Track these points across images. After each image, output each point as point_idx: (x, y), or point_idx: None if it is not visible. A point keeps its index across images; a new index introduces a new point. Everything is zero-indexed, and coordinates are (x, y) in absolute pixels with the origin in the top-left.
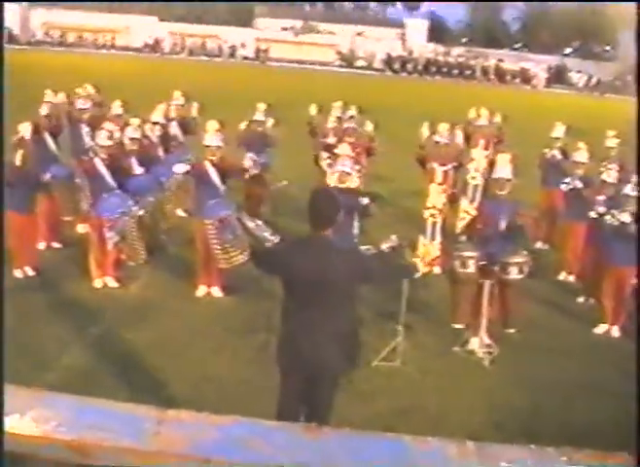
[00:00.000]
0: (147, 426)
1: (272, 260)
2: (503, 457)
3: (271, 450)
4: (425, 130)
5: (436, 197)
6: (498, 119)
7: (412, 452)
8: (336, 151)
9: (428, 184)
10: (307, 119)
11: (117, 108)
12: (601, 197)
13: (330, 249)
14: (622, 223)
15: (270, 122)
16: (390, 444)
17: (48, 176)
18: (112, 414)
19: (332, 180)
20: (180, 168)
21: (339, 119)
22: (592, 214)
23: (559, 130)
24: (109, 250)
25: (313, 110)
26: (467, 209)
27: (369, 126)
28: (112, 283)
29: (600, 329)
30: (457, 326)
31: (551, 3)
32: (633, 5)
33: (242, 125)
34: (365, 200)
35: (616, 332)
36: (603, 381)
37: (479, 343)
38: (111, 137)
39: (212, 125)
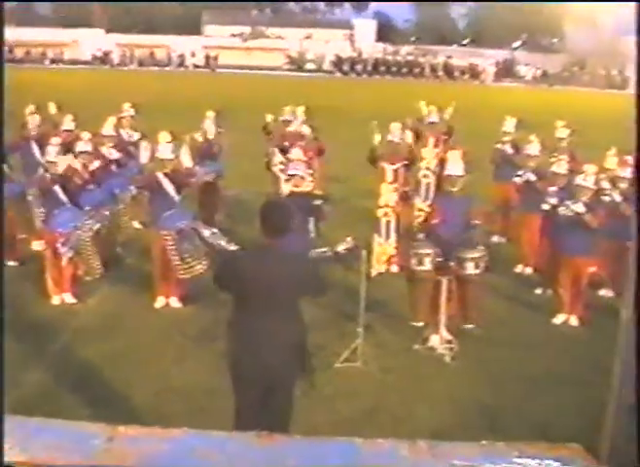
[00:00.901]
0: (97, 443)
1: (226, 273)
2: (456, 455)
3: (224, 460)
4: (376, 136)
5: (388, 195)
6: (447, 116)
7: (365, 455)
8: (288, 155)
9: (379, 184)
10: (263, 125)
11: (68, 123)
12: (553, 189)
13: (282, 258)
14: (577, 213)
15: (218, 130)
16: (342, 447)
17: None
18: (64, 433)
19: (286, 185)
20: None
21: (290, 123)
22: (545, 206)
23: (510, 124)
24: (64, 266)
25: (269, 117)
26: (421, 207)
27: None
28: (70, 299)
29: (559, 319)
30: (417, 324)
31: None
32: None
33: (197, 136)
34: (318, 202)
35: (574, 321)
36: (564, 371)
37: (439, 340)
38: (60, 152)
39: (163, 136)
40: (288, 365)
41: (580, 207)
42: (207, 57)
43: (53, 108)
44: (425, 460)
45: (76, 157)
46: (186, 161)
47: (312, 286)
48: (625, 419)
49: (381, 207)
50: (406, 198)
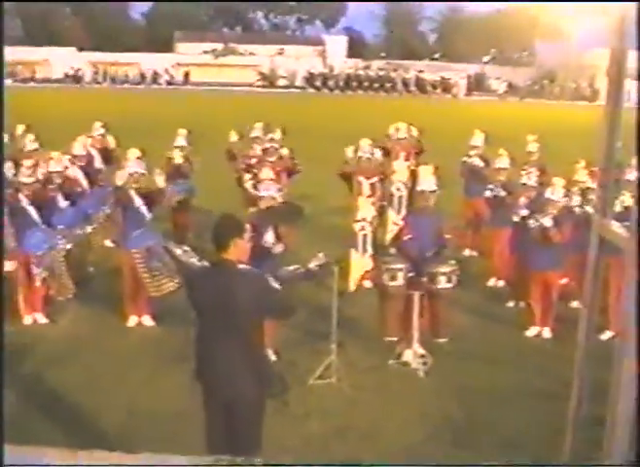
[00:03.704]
0: None
1: (189, 289)
2: None
3: None
4: (349, 151)
5: (365, 209)
6: (415, 132)
7: None
8: (258, 175)
9: (356, 198)
10: (227, 145)
11: (31, 143)
12: (523, 200)
13: (231, 273)
14: (544, 228)
15: (192, 147)
16: None
17: None
18: (21, 460)
19: (259, 204)
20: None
21: (260, 139)
22: (515, 218)
23: (478, 138)
24: (37, 286)
25: (234, 136)
26: (395, 221)
27: (284, 151)
28: (42, 319)
29: (531, 332)
30: (390, 339)
31: (466, 12)
32: (546, 10)
33: (173, 154)
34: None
35: (547, 333)
36: (537, 384)
37: (412, 355)
38: (33, 174)
39: (133, 152)
40: (247, 386)
41: (548, 221)
42: (180, 75)
43: (20, 129)
44: None
45: (47, 177)
46: (159, 182)
47: (273, 307)
48: (583, 433)
49: (358, 221)
50: (382, 212)
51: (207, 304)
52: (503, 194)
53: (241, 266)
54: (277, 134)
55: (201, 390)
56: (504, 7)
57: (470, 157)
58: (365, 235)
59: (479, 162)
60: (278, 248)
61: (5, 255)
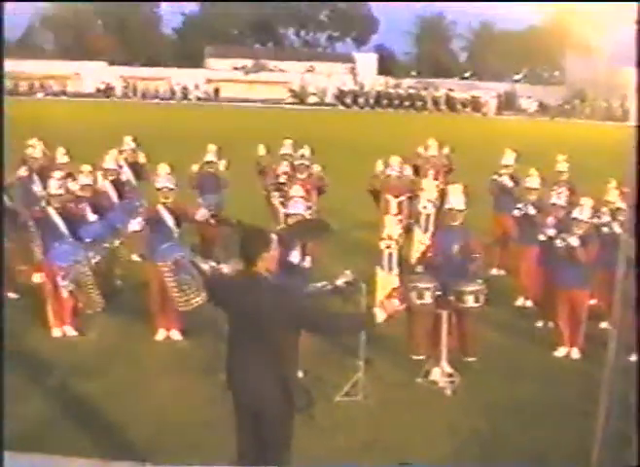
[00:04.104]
0: None
1: (214, 294)
2: None
3: None
4: (379, 164)
5: (392, 227)
6: (446, 150)
7: None
8: (288, 191)
9: (383, 215)
10: (256, 159)
11: (62, 156)
12: (551, 220)
13: (260, 285)
14: (571, 247)
15: (222, 163)
16: None
17: None
18: None
19: (286, 221)
20: (134, 226)
21: (290, 156)
22: (542, 237)
23: (509, 157)
24: (65, 299)
25: (262, 150)
26: (421, 239)
27: (316, 168)
28: (71, 332)
29: (560, 352)
30: (417, 357)
31: (497, 29)
32: (578, 24)
33: (194, 168)
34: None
35: (576, 354)
36: (565, 404)
37: (440, 373)
38: (62, 186)
39: (163, 168)
40: (275, 397)
41: (574, 241)
42: (210, 90)
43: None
44: None
45: (77, 190)
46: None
47: (306, 321)
48: (612, 450)
49: (384, 239)
50: (408, 231)
51: (236, 316)
52: (532, 212)
53: (269, 278)
54: (307, 151)
55: (232, 400)
56: (535, 22)
57: (500, 175)
58: (390, 254)
59: (508, 182)
60: (306, 263)
61: (32, 266)
